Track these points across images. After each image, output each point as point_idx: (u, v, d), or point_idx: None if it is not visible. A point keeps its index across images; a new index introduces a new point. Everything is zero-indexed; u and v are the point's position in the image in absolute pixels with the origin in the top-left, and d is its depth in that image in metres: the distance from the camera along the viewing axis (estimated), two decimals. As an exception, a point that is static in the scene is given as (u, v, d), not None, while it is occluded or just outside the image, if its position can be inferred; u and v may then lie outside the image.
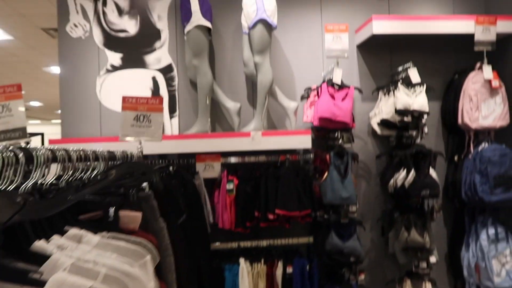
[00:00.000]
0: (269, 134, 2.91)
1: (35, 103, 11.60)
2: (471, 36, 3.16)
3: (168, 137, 2.89)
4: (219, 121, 3.30)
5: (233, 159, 2.95)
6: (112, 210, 0.90)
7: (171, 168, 1.68)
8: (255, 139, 2.89)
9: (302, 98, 3.35)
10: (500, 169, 3.08)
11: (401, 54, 3.50)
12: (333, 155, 3.01)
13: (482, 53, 3.24)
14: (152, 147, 2.83)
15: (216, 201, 2.87)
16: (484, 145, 3.20)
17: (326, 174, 2.99)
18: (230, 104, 3.14)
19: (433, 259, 3.10)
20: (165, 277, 0.98)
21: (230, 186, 2.78)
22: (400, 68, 3.31)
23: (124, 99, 1.86)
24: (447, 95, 3.50)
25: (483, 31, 3.21)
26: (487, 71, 3.22)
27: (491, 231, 3.15)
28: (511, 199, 3.06)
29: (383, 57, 3.50)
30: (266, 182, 2.82)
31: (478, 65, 3.28)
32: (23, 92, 1.82)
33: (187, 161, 2.95)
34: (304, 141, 2.95)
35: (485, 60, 3.24)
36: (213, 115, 3.28)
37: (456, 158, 3.41)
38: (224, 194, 2.79)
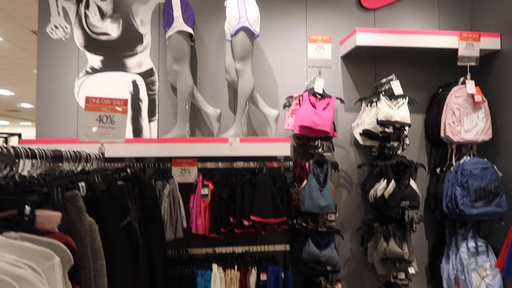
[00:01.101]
0: (247, 141, 2.89)
1: (26, 105, 11.57)
2: (456, 51, 3.17)
3: (146, 140, 2.86)
4: (199, 126, 3.28)
5: (210, 165, 2.91)
6: (28, 209, 0.86)
7: (128, 170, 1.64)
8: (233, 145, 2.86)
9: (284, 106, 3.34)
10: (481, 183, 3.06)
11: (385, 67, 3.51)
12: (312, 164, 2.98)
13: (466, 68, 3.25)
14: (129, 150, 2.81)
15: (191, 206, 2.83)
16: (465, 159, 3.18)
17: (305, 182, 2.96)
18: (210, 110, 3.12)
19: (412, 270, 3.06)
20: (88, 282, 0.92)
21: (205, 191, 2.74)
22: (383, 80, 3.31)
23: (88, 99, 1.84)
24: (431, 109, 3.49)
25: (467, 46, 3.22)
26: (470, 86, 3.22)
27: (471, 244, 3.12)
28: (491, 212, 3.03)
29: (368, 69, 3.51)
30: (242, 188, 2.79)
31: (461, 80, 3.28)
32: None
33: (164, 165, 2.91)
34: (283, 149, 2.93)
35: (469, 75, 3.25)
36: (193, 120, 3.26)
37: (438, 170, 3.39)
38: (199, 199, 2.75)
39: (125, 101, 1.91)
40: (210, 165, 2.92)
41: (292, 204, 2.88)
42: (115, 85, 3.17)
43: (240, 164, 2.96)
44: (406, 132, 3.14)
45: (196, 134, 3.27)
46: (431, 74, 3.58)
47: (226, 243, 3.02)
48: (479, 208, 3.04)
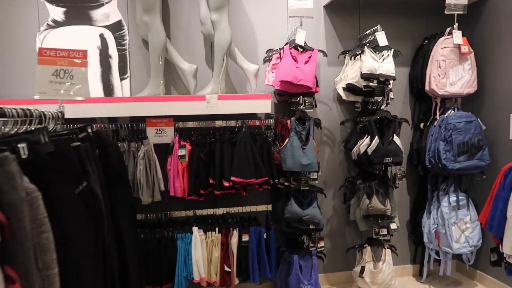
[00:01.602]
0: (226, 98, 2.74)
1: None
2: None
3: (116, 99, 2.67)
4: (175, 83, 3.09)
5: (187, 124, 2.76)
6: None
7: (89, 130, 1.48)
8: (210, 102, 2.70)
9: (264, 61, 3.17)
10: (464, 137, 3.01)
11: (370, 17, 3.34)
12: (294, 121, 2.87)
13: (453, 18, 3.10)
14: (99, 110, 2.63)
15: (168, 168, 2.70)
16: (450, 112, 3.11)
17: (286, 140, 2.86)
18: (186, 66, 2.93)
19: (394, 226, 3.06)
20: (27, 260, 0.79)
21: (182, 152, 2.61)
22: (368, 31, 3.14)
23: (41, 51, 1.63)
24: (416, 61, 3.37)
25: (455, -8, 3.05)
26: (457, 36, 3.09)
27: (453, 198, 3.12)
28: (473, 166, 3.01)
29: (352, 20, 3.32)
30: (222, 148, 2.67)
31: (448, 30, 3.15)
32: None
33: (139, 126, 2.75)
34: (263, 106, 2.79)
35: (456, 25, 3.11)
36: (168, 77, 3.07)
37: (422, 125, 3.33)
38: (176, 160, 2.63)
39: (84, 52, 1.71)
40: (187, 124, 2.77)
41: (274, 163, 2.78)
42: (81, 40, 2.92)
43: (218, 123, 2.82)
44: (390, 86, 3.02)
45: (172, 92, 3.09)
46: (416, 25, 3.43)
47: (207, 205, 2.94)
48: (461, 162, 3.01)
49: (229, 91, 3.13)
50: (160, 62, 2.80)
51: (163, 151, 2.78)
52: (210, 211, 2.88)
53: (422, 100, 3.43)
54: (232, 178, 2.61)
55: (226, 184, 2.64)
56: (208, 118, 2.82)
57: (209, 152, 2.69)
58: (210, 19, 2.76)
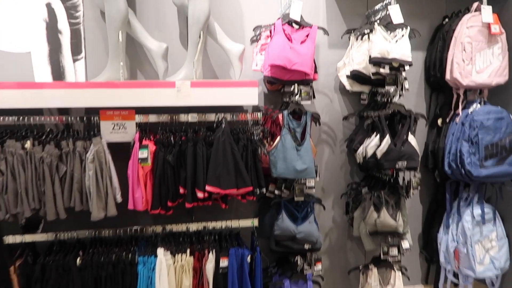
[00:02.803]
0: (201, 85, 2.16)
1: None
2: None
3: (61, 85, 2.09)
4: (141, 67, 2.51)
5: (152, 118, 2.19)
6: None
7: None
8: (181, 91, 2.13)
9: (252, 41, 2.59)
10: (493, 137, 2.48)
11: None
12: (287, 115, 2.31)
13: (481, -10, 2.55)
14: (44, 99, 2.05)
15: (128, 174, 2.13)
16: (475, 107, 2.57)
17: (277, 139, 2.30)
18: (153, 45, 2.35)
19: (406, 244, 2.53)
20: None
21: (144, 153, 2.05)
22: (378, 6, 2.58)
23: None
24: (433, 44, 2.82)
25: (485, -40, 2.50)
26: (487, 13, 2.54)
27: (477, 211, 2.59)
28: (504, 173, 2.49)
29: (358, -8, 2.75)
30: (195, 149, 2.10)
31: (475, 5, 2.59)
32: None
33: (93, 119, 2.17)
34: (248, 96, 2.22)
35: (485, -1, 2.56)
36: (134, 59, 2.49)
37: (439, 121, 2.78)
38: (136, 164, 2.06)
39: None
40: (152, 118, 2.20)
41: (261, 168, 2.23)
42: (23, 10, 2.33)
43: (192, 117, 2.24)
44: (404, 74, 2.48)
45: (138, 77, 2.51)
46: (434, 1, 2.86)
47: (180, 218, 2.38)
48: (489, 168, 2.48)
49: (209, 77, 2.56)
50: (120, 39, 2.22)
51: (124, 152, 2.20)
52: (183, 227, 2.33)
53: (440, 91, 2.89)
54: (207, 188, 2.05)
55: (200, 195, 2.08)
56: (181, 111, 2.25)
57: (179, 154, 2.12)
58: (183, -15, 2.18)
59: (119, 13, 2.18)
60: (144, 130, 2.18)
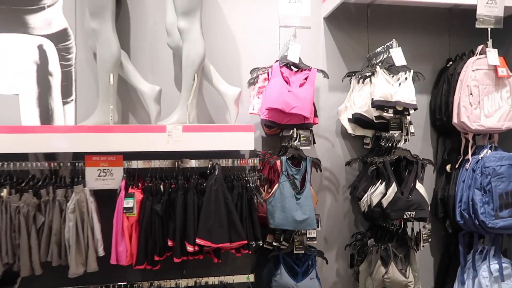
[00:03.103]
0: (193, 130, 2.04)
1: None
2: (471, 11, 2.40)
3: (45, 129, 1.98)
4: (134, 111, 2.41)
5: (141, 164, 2.05)
6: None
7: None
8: (172, 135, 2.01)
9: (250, 84, 2.51)
10: (507, 185, 2.32)
11: (380, 33, 2.71)
12: (285, 161, 2.17)
13: (485, 34, 2.49)
14: (30, 143, 1.93)
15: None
16: (486, 152, 2.42)
17: (275, 187, 2.15)
18: (146, 87, 2.26)
19: (417, 303, 2.30)
20: None
21: (130, 203, 1.89)
22: (379, 49, 2.50)
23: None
24: (438, 87, 2.72)
25: (488, 3, 2.44)
26: (492, 56, 2.45)
27: (494, 266, 2.38)
28: (521, 224, 2.29)
29: (358, 35, 2.69)
30: (185, 197, 1.95)
31: (480, 48, 2.51)
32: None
33: (79, 165, 2.04)
34: (244, 141, 2.10)
35: (490, 42, 2.48)
36: (127, 102, 2.39)
37: (448, 167, 2.63)
38: (120, 215, 1.90)
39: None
40: (141, 164, 2.06)
41: (257, 218, 2.06)
42: (14, 52, 2.27)
43: (185, 163, 2.10)
44: (409, 118, 2.35)
45: (130, 121, 2.40)
46: (438, 43, 2.80)
47: (169, 273, 2.19)
48: (505, 219, 2.30)
49: (204, 121, 2.45)
50: (111, 82, 2.13)
51: (113, 200, 2.03)
52: (172, 283, 2.12)
53: (447, 135, 2.76)
54: (198, 241, 1.88)
55: (189, 248, 1.90)
56: (173, 156, 2.11)
57: (168, 203, 1.96)
58: (177, 27, 2.12)
59: (111, 55, 2.10)
60: (132, 177, 2.04)
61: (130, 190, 1.92)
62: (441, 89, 2.66)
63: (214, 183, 1.92)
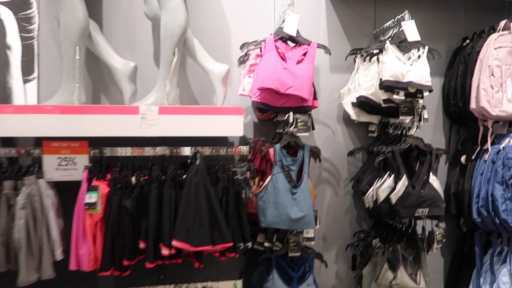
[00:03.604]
0: (172, 112, 1.74)
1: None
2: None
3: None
4: (107, 91, 2.10)
5: (110, 151, 1.75)
6: None
7: None
8: (147, 118, 1.71)
9: (241, 62, 2.19)
10: (533, 179, 2.03)
11: (388, 6, 2.40)
12: (279, 150, 1.87)
13: (504, 7, 2.18)
14: None
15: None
16: (508, 142, 2.13)
17: (268, 179, 1.85)
18: (119, 63, 1.95)
19: (427, 311, 2.03)
20: None
21: (92, 197, 1.59)
22: (388, 23, 2.20)
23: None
24: (452, 69, 2.42)
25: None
26: (517, 31, 2.14)
27: (515, 270, 2.10)
28: (548, 223, 2.01)
29: (364, 10, 2.38)
30: (160, 191, 1.65)
31: (502, 23, 2.21)
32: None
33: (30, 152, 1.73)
34: (232, 126, 1.79)
35: (514, 16, 2.18)
36: (98, 81, 2.08)
37: (463, 159, 2.34)
38: (81, 211, 1.60)
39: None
40: (109, 152, 1.76)
41: (245, 216, 1.76)
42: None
43: (160, 151, 1.80)
44: (422, 101, 2.06)
45: (102, 103, 2.09)
46: (452, 20, 2.50)
47: (146, 277, 1.90)
48: (530, 216, 2.01)
49: (188, 103, 2.14)
50: (77, 56, 1.81)
51: (75, 194, 1.73)
52: (146, 289, 1.84)
53: (462, 122, 2.47)
54: (174, 243, 1.58)
55: (165, 251, 1.61)
56: (150, 143, 1.81)
57: (140, 198, 1.66)
58: (154, -8, 1.80)
59: (76, 24, 1.79)
60: (100, 167, 1.73)
61: (94, 182, 1.62)
62: (457, 70, 2.36)
63: (194, 174, 1.62)
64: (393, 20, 2.16)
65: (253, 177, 1.91)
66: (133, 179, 1.68)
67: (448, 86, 2.43)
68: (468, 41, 2.42)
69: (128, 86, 1.95)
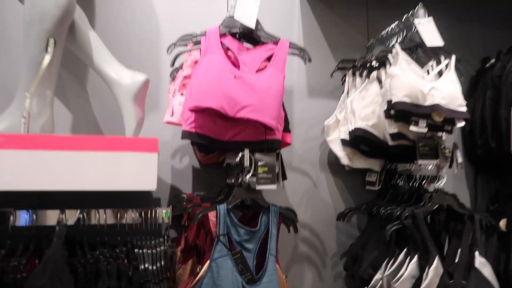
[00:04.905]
0: (26, 146, 0.92)
1: None
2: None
3: None
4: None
5: None
6: None
7: None
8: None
9: (172, 72, 1.43)
10: None
11: (382, 9, 1.75)
12: (224, 214, 1.07)
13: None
14: None
15: None
16: None
17: (205, 266, 1.03)
18: (120, 75, 1.19)
19: None
20: None
21: None
22: (392, 25, 1.53)
23: None
24: (476, 96, 1.76)
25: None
26: None
27: None
28: None
29: (353, 15, 1.72)
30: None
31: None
32: None
33: None
34: (138, 172, 0.99)
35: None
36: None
37: (503, 224, 1.60)
38: None
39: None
40: None
41: None
42: None
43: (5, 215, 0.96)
44: (444, 137, 1.35)
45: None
46: (468, 36, 1.86)
47: None
48: None
49: (86, 131, 1.33)
50: (48, 53, 1.04)
51: None
52: None
53: (492, 171, 1.76)
54: None
55: None
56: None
57: None
58: None
59: (57, 3, 1.02)
60: None
61: None
62: (482, 98, 1.70)
63: (41, 270, 0.78)
64: (398, 22, 1.48)
65: (187, 260, 1.08)
66: None
67: (471, 119, 1.74)
68: (493, 60, 1.78)
69: (133, 110, 1.14)
